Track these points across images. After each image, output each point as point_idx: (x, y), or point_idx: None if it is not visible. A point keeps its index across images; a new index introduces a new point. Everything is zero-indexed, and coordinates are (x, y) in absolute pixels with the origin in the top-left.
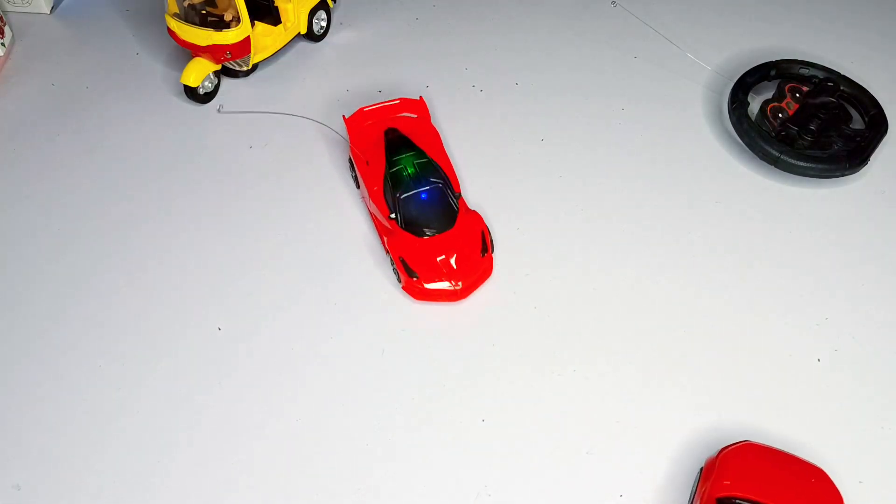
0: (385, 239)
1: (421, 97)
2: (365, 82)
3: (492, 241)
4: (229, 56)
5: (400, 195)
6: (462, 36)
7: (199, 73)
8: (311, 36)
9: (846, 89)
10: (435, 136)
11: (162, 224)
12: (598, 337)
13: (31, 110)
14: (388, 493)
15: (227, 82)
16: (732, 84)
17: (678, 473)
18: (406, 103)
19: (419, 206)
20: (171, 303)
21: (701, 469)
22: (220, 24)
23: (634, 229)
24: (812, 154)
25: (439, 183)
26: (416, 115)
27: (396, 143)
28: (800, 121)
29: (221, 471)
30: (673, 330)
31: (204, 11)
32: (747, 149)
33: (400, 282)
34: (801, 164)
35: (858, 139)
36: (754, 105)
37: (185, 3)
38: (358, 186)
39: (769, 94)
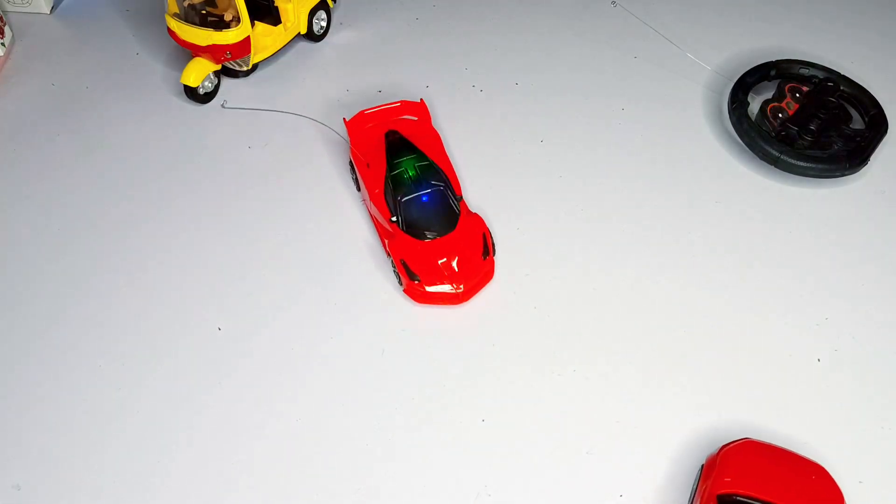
0: (386, 242)
1: (422, 100)
2: (365, 82)
3: (493, 243)
4: (229, 56)
5: (401, 198)
6: (462, 36)
7: (199, 73)
8: (311, 36)
9: (846, 89)
10: (436, 138)
11: (162, 224)
12: (598, 337)
13: (31, 110)
14: (388, 493)
15: (227, 82)
16: (732, 84)
17: (678, 473)
18: (407, 106)
19: (420, 208)
20: (171, 303)
21: (702, 466)
22: (220, 24)
23: (634, 229)
24: (812, 154)
25: (440, 185)
26: (416, 118)
27: (397, 145)
28: (800, 121)
29: (221, 471)
30: (673, 330)
31: (204, 11)
32: (747, 149)
33: (401, 285)
34: (801, 164)
35: (858, 139)
36: (754, 105)
37: (185, 3)
38: (359, 189)
39: (769, 94)
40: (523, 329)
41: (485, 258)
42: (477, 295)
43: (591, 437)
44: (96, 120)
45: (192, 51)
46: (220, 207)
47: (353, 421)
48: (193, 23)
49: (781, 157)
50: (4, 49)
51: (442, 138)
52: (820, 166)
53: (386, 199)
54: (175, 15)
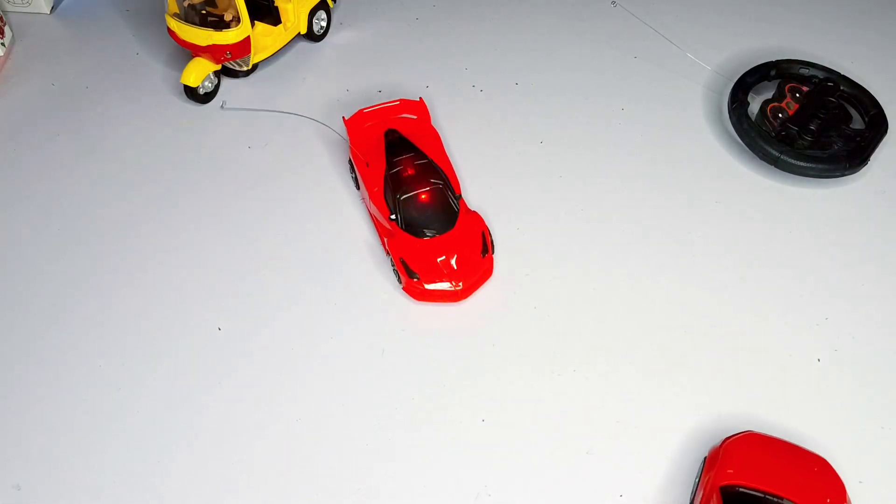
0: (385, 240)
1: (421, 98)
2: (365, 82)
3: (492, 241)
4: (229, 56)
5: (400, 196)
6: (462, 36)
7: (199, 73)
8: (311, 36)
9: (846, 89)
10: (435, 137)
11: (162, 224)
12: (598, 337)
13: (31, 110)
14: (388, 493)
15: (227, 82)
16: (732, 84)
17: (678, 473)
18: (406, 104)
19: (419, 207)
20: (171, 303)
21: (704, 458)
22: (220, 24)
23: (634, 229)
24: (812, 154)
25: (439, 184)
26: (415, 117)
27: (396, 144)
28: (800, 121)
29: (221, 471)
30: (673, 330)
31: (204, 11)
32: (747, 149)
33: (400, 283)
34: (801, 164)
35: (858, 139)
36: (754, 105)
37: (185, 3)
38: (358, 188)
39: (769, 94)
40: (523, 329)
41: (484, 256)
42: (477, 295)
43: (591, 437)
44: (96, 120)
45: (192, 51)
46: (220, 207)
47: (353, 421)
48: (193, 23)
49: (781, 157)
50: (4, 49)
51: (442, 138)
52: (820, 166)
53: (385, 197)
54: (175, 15)
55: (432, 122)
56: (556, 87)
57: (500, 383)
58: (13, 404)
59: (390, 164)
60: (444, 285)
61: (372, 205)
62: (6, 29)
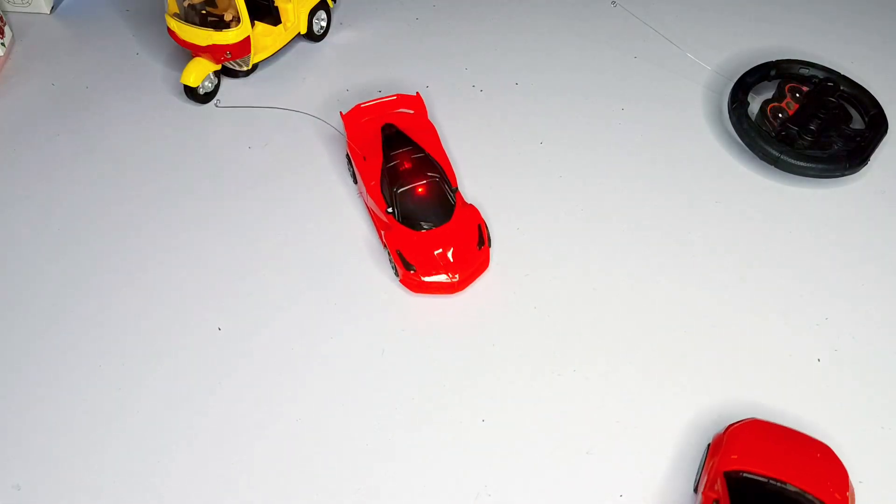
0: (382, 233)
1: (418, 93)
2: (365, 82)
3: (489, 234)
4: (229, 56)
5: (397, 190)
6: (462, 36)
7: (199, 73)
8: (311, 36)
9: (846, 89)
10: (432, 131)
11: (162, 224)
12: (598, 337)
13: (31, 110)
14: (388, 493)
15: (227, 82)
16: (732, 84)
17: (678, 473)
18: (403, 99)
19: (416, 200)
20: (171, 303)
21: (708, 445)
22: (220, 24)
23: (634, 229)
24: (812, 154)
25: (436, 177)
26: (412, 111)
27: (393, 138)
28: (800, 121)
29: (221, 471)
30: (673, 330)
31: (204, 11)
32: (747, 149)
33: (397, 275)
34: (801, 164)
35: (858, 139)
36: (754, 105)
37: (185, 3)
38: (355, 182)
39: (769, 94)
40: (523, 329)
41: (480, 248)
42: (477, 294)
43: (591, 437)
44: (96, 120)
45: (192, 51)
46: (220, 207)
47: (353, 421)
48: (193, 23)
49: (781, 157)
50: (4, 49)
51: (442, 138)
52: (820, 166)
53: (382, 190)
54: (175, 15)
55: (432, 121)
56: (556, 87)
57: (500, 383)
58: (13, 404)
59: (387, 158)
60: (441, 277)
61: (369, 198)
62: (6, 29)
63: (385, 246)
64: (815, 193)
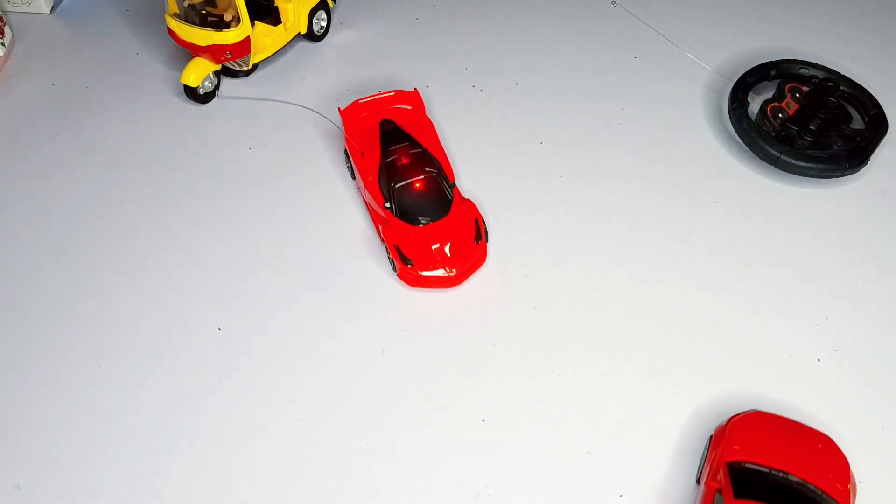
0: (380, 228)
1: (415, 89)
2: (365, 82)
3: (486, 228)
4: (229, 56)
5: (395, 185)
6: (462, 36)
7: (199, 73)
8: (311, 36)
9: (846, 89)
10: (429, 126)
11: (162, 224)
12: (598, 337)
13: (31, 110)
14: (388, 493)
15: (227, 82)
16: (732, 84)
17: (678, 473)
18: (401, 95)
19: (414, 195)
20: (171, 303)
21: (711, 436)
22: (220, 24)
23: (634, 229)
24: (812, 154)
25: (433, 172)
26: (410, 107)
27: (391, 134)
28: (800, 121)
29: (221, 471)
30: (673, 330)
31: (204, 11)
32: (747, 149)
33: (395, 270)
34: (801, 164)
35: (858, 139)
36: (754, 105)
37: (185, 3)
38: (353, 177)
39: (769, 94)
40: (523, 329)
41: (477, 243)
42: (477, 294)
43: (591, 437)
44: (96, 120)
45: (192, 51)
46: (220, 207)
47: (353, 421)
48: (193, 23)
49: (781, 157)
50: (4, 49)
51: (442, 138)
52: (820, 166)
53: (380, 185)
54: (175, 15)
55: (431, 118)
56: (556, 87)
57: (500, 383)
58: (13, 404)
59: (385, 154)
60: (439, 272)
61: (367, 193)
62: (6, 29)
63: (383, 241)
64: (815, 193)
